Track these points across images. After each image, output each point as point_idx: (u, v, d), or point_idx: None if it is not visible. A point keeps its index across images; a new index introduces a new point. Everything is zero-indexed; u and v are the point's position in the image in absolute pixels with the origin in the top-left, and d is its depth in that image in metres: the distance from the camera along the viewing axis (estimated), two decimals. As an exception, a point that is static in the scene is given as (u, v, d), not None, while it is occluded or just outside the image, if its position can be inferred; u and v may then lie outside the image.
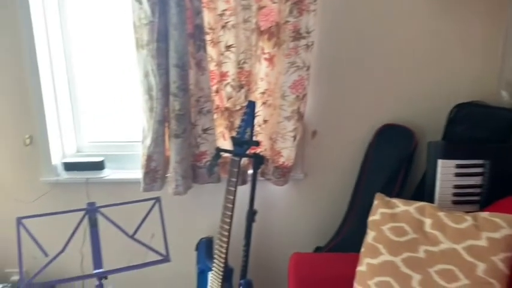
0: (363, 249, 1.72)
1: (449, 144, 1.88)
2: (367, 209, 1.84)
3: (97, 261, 1.81)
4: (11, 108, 2.06)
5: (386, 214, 1.72)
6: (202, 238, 2.04)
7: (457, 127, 1.92)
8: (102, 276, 1.80)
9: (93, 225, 1.82)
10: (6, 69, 2.02)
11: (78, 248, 2.16)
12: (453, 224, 1.58)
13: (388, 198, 1.77)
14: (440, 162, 1.82)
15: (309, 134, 2.08)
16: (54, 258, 1.73)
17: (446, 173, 1.82)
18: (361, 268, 1.68)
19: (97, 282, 1.81)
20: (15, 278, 2.19)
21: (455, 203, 1.83)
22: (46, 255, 1.72)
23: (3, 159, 2.10)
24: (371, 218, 1.75)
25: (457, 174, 1.81)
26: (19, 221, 1.74)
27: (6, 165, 2.11)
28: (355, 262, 1.76)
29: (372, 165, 2.04)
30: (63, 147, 2.17)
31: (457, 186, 1.82)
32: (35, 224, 1.72)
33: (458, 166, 1.81)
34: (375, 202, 1.79)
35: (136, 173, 2.10)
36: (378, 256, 1.64)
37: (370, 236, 1.71)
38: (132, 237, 1.85)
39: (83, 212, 1.83)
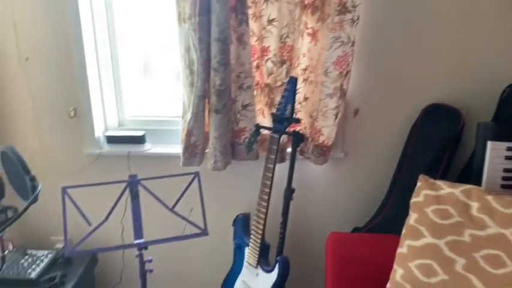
0: (404, 231, 1.68)
1: (501, 126, 1.78)
2: (408, 191, 1.79)
3: (138, 232, 1.86)
4: (58, 82, 2.11)
5: (430, 196, 1.66)
6: (239, 214, 2.05)
7: (510, 108, 1.82)
8: (143, 246, 1.84)
9: (135, 197, 1.86)
10: (52, 44, 2.06)
11: (119, 219, 2.22)
12: (502, 208, 1.51)
13: (432, 180, 1.71)
14: (490, 144, 1.73)
15: (351, 112, 2.03)
16: (97, 227, 1.79)
17: (496, 155, 1.73)
18: (401, 250, 1.65)
19: (137, 252, 1.86)
20: (59, 245, 2.28)
21: (504, 187, 1.74)
22: (89, 224, 1.78)
23: (50, 131, 2.17)
24: (414, 200, 1.70)
25: (508, 157, 1.72)
26: (64, 190, 1.80)
27: (52, 136, 2.18)
28: (394, 244, 1.72)
29: (416, 145, 1.97)
30: (105, 120, 2.22)
31: (507, 170, 1.73)
32: (79, 194, 1.77)
33: (510, 149, 1.72)
34: (419, 184, 1.73)
35: (176, 147, 2.12)
36: (420, 238, 1.60)
37: (412, 218, 1.66)
38: (171, 209, 1.88)
39: (124, 184, 1.88)
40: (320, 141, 1.95)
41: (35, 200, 1.16)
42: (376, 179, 2.12)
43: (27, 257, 2.08)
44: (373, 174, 2.13)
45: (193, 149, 1.99)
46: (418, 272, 1.56)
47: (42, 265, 2.01)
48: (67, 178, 2.17)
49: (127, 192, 1.88)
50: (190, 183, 1.90)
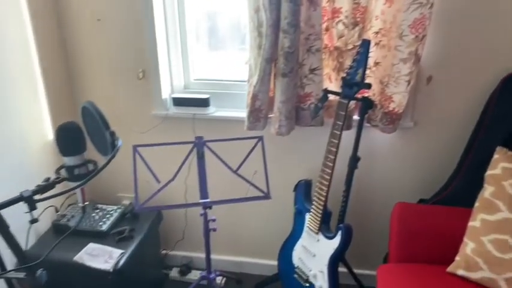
0: (477, 204, 1.61)
1: None
2: (482, 164, 1.70)
3: (203, 191, 1.90)
4: (127, 44, 2.15)
5: (509, 169, 1.57)
6: (301, 180, 2.04)
7: None
8: (207, 205, 1.89)
9: (201, 158, 1.90)
10: (123, 6, 2.09)
11: (183, 179, 2.28)
12: None
13: (511, 153, 1.61)
14: None
15: (424, 80, 1.93)
16: (165, 185, 1.85)
17: None
18: (473, 223, 1.58)
19: (202, 211, 1.92)
20: (126, 202, 2.39)
21: None
22: (158, 181, 1.84)
23: (120, 92, 2.24)
24: (490, 172, 1.61)
25: None
26: (135, 148, 1.87)
27: (122, 97, 2.24)
28: (465, 216, 1.66)
29: (493, 117, 1.85)
30: (172, 83, 2.26)
31: None
32: (146, 154, 1.84)
33: None
34: (496, 156, 1.64)
35: (239, 111, 2.13)
36: (495, 212, 1.52)
37: (487, 191, 1.59)
38: (235, 172, 1.91)
39: (191, 145, 1.92)
40: (390, 109, 1.88)
41: (114, 156, 1.20)
42: (445, 150, 2.03)
43: (97, 210, 2.21)
44: (443, 145, 2.04)
45: (257, 113, 1.98)
46: (492, 247, 1.50)
47: (111, 219, 2.13)
48: (135, 138, 2.25)
49: (192, 153, 1.93)
50: (254, 147, 1.91)
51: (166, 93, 2.22)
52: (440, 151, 2.04)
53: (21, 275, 1.36)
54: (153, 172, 1.82)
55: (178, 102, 2.20)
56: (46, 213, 2.08)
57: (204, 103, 2.17)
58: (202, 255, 2.52)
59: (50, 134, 2.14)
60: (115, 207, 2.23)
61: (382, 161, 2.12)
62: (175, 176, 1.85)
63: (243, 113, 2.07)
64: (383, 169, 2.14)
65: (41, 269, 1.36)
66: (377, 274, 1.72)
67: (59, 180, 1.20)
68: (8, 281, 1.71)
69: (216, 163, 1.85)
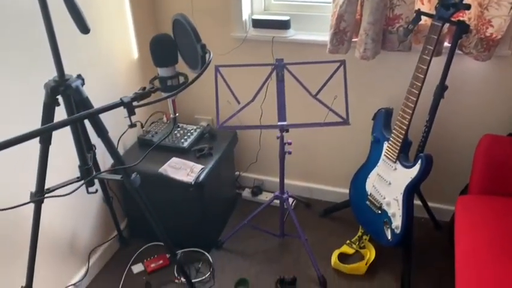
0: None
1: None
2: None
3: (281, 114, 1.92)
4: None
5: None
6: (381, 108, 1.98)
7: None
8: (285, 128, 1.91)
9: (280, 80, 1.89)
10: None
11: (259, 104, 2.31)
12: None
13: None
14: None
15: (530, 3, 1.74)
16: (245, 105, 1.88)
17: None
18: None
19: (279, 134, 1.95)
20: (203, 123, 2.48)
21: None
22: (238, 102, 1.88)
23: (201, 12, 2.24)
24: None
25: None
26: (217, 68, 1.89)
27: (203, 18, 2.24)
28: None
29: None
30: (252, 4, 2.22)
31: None
32: (226, 76, 1.86)
33: None
34: None
35: (320, 35, 2.07)
36: None
37: None
38: (314, 96, 1.89)
39: (270, 68, 1.91)
40: (487, 34, 1.73)
41: (206, 68, 1.22)
42: (546, 82, 1.87)
43: (179, 129, 2.31)
44: (543, 78, 1.87)
45: (342, 35, 1.91)
46: None
47: (192, 137, 2.23)
48: (214, 60, 2.27)
49: (271, 76, 1.92)
50: (335, 71, 1.86)
51: (246, 15, 2.19)
52: (539, 83, 1.89)
53: (118, 177, 1.49)
54: (234, 93, 1.86)
55: (258, 24, 2.17)
56: (132, 129, 2.22)
57: (283, 25, 2.12)
58: (273, 179, 2.62)
59: (134, 52, 2.22)
60: (194, 127, 2.33)
61: (471, 91, 1.99)
62: (254, 97, 1.88)
63: (323, 37, 2.01)
64: (471, 100, 2.01)
65: (135, 173, 1.48)
66: (456, 204, 1.69)
67: (153, 90, 1.26)
68: (102, 183, 1.89)
69: (295, 87, 1.84)
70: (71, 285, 1.95)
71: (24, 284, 1.52)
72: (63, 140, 1.52)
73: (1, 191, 1.50)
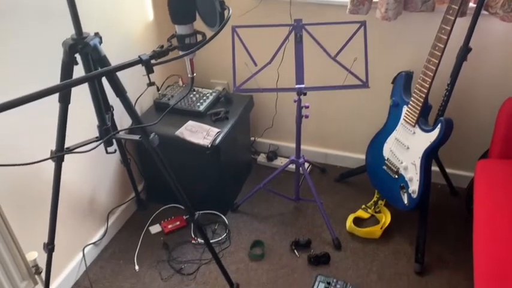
0: None
1: None
2: None
3: (299, 77, 1.89)
4: None
5: None
6: (401, 71, 1.94)
7: None
8: (302, 91, 1.89)
9: (299, 42, 1.86)
10: None
11: (276, 67, 2.28)
12: None
13: None
14: None
15: None
16: (263, 68, 1.86)
17: None
18: None
19: (296, 98, 1.93)
20: (219, 87, 2.46)
21: None
22: (255, 64, 1.85)
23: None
24: None
25: None
26: (233, 29, 1.86)
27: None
28: None
29: None
30: (269, -37, 2.16)
31: None
32: (243, 37, 1.83)
33: None
34: None
35: (340, -5, 2.01)
36: None
37: None
38: (334, 58, 1.86)
39: (289, 29, 1.87)
40: (516, -7, 1.66)
41: (225, 24, 1.20)
42: None
43: (194, 92, 2.30)
44: None
45: (362, -5, 1.86)
46: None
47: (208, 101, 2.22)
48: (232, 20, 2.23)
49: (289, 38, 1.88)
50: (355, 33, 1.81)
51: (263, -26, 2.13)
52: None
53: (136, 137, 1.49)
54: (251, 54, 1.83)
55: (276, -16, 2.11)
56: (148, 92, 2.22)
57: (302, -15, 2.07)
58: (289, 144, 2.61)
59: (150, 14, 2.19)
60: (210, 91, 2.31)
61: (496, 53, 1.93)
62: (272, 58, 1.85)
63: (343, -3, 1.96)
64: (495, 63, 1.96)
65: (154, 133, 1.48)
66: (476, 168, 1.67)
67: (171, 48, 1.24)
68: (120, 145, 1.91)
69: (313, 49, 1.80)
70: (91, 243, 2.01)
71: (46, 241, 1.56)
72: (82, 102, 1.52)
73: (23, 150, 1.53)
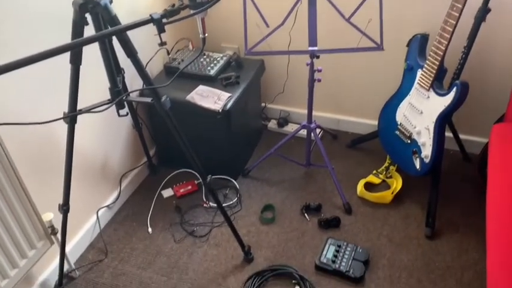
0: None
1: None
2: None
3: (312, 39, 1.85)
4: None
5: None
6: (417, 34, 1.89)
7: None
8: (315, 54, 1.86)
9: (312, 4, 1.81)
10: None
11: (287, 30, 2.23)
12: None
13: None
14: None
15: None
16: (275, 29, 1.82)
17: None
18: None
19: (309, 61, 1.89)
20: (229, 52, 2.42)
21: None
22: (267, 25, 1.81)
23: None
24: None
25: None
26: (245, -10, 1.82)
27: None
28: None
29: None
30: None
31: None
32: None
33: None
34: None
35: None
36: None
37: None
38: (348, 20, 1.81)
39: (301, -11, 1.82)
40: (540, -51, 1.59)
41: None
42: None
43: (205, 56, 2.28)
44: None
45: (378, -47, 1.79)
46: None
47: (218, 65, 2.19)
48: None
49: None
50: (370, -7, 1.77)
51: None
52: None
53: (148, 99, 1.49)
54: (262, 15, 1.79)
55: None
56: (158, 56, 2.20)
57: None
58: (300, 110, 2.59)
59: (159, -24, 2.15)
60: (221, 55, 2.28)
61: (516, 15, 1.88)
62: (284, 20, 1.81)
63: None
64: (515, 25, 1.90)
65: (165, 96, 1.47)
66: (491, 132, 1.65)
67: (183, 7, 1.21)
68: (132, 109, 1.90)
69: (327, 10, 1.75)
70: (105, 206, 2.04)
71: (61, 202, 1.59)
72: (93, 66, 1.51)
73: (37, 113, 1.54)
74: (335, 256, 1.80)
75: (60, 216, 1.61)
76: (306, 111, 2.07)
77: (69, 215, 1.62)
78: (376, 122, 2.18)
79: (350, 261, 1.78)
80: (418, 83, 1.85)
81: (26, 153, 1.55)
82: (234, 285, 1.76)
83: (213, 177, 2.08)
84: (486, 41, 1.97)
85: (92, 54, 1.40)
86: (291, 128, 2.58)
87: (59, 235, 1.64)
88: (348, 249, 1.82)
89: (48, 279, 1.76)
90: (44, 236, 1.57)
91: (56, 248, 1.66)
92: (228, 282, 1.78)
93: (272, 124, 2.62)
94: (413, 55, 1.88)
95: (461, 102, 1.71)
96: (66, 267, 1.78)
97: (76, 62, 1.32)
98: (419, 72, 1.84)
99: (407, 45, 1.93)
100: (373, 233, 1.94)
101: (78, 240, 1.90)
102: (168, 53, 2.25)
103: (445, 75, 1.81)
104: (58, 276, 1.74)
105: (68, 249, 1.79)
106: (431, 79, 1.77)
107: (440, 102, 1.75)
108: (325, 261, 1.79)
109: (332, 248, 1.83)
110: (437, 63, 1.73)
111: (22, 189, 1.43)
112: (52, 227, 1.60)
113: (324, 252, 1.82)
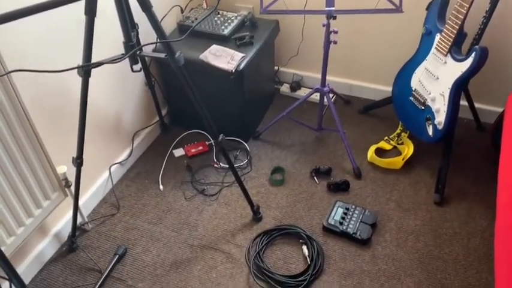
0: None
1: None
2: None
3: (329, -1, 1.81)
4: None
5: None
6: (437, -4, 1.83)
7: None
8: (332, 15, 1.81)
9: (330, -39, 1.76)
10: None
11: (304, -9, 2.18)
12: None
13: None
14: None
15: None
16: (291, -12, 1.79)
17: None
18: None
19: (325, 21, 1.86)
20: (244, 12, 2.37)
21: None
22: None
23: None
24: None
25: None
26: None
27: None
28: None
29: None
30: None
31: None
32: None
33: None
34: None
35: None
36: None
37: None
38: (367, -20, 1.77)
39: None
40: None
41: None
42: None
43: (219, 15, 2.24)
44: None
45: None
46: None
47: (232, 25, 2.16)
48: None
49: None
50: (391, -48, 1.71)
51: None
52: None
53: (162, 55, 1.48)
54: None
55: None
56: (171, 15, 2.17)
57: None
58: (313, 75, 2.57)
59: None
60: (235, 14, 2.24)
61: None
62: (302, -22, 1.77)
63: None
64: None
65: (179, 51, 1.46)
66: (507, 101, 1.62)
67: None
68: (144, 64, 1.90)
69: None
70: (117, 163, 2.07)
71: (75, 155, 1.61)
72: (108, 21, 1.50)
73: (52, 65, 1.54)
74: (343, 218, 1.82)
75: (74, 170, 1.64)
76: (319, 76, 2.05)
77: (82, 170, 1.64)
78: (389, 88, 2.15)
79: (358, 223, 1.80)
80: (435, 47, 1.81)
81: (42, 106, 1.57)
82: (243, 242, 1.80)
83: (225, 138, 2.09)
84: (509, 6, 1.91)
85: (106, 9, 1.38)
86: (303, 92, 2.56)
87: (72, 188, 1.67)
88: (356, 212, 1.84)
89: (61, 231, 1.81)
90: (58, 188, 1.60)
91: (69, 201, 1.70)
92: (236, 239, 1.82)
93: (285, 88, 2.60)
94: (433, 19, 1.83)
95: (479, 68, 1.68)
96: (79, 220, 1.82)
97: (91, 13, 1.31)
98: (437, 37, 1.80)
99: (427, 9, 1.87)
100: (381, 197, 1.95)
101: (91, 195, 1.94)
102: (182, 11, 2.21)
103: (464, 40, 1.77)
104: (71, 227, 1.78)
105: (81, 202, 1.83)
106: (449, 44, 1.73)
107: (458, 68, 1.72)
108: (332, 222, 1.81)
109: (340, 211, 1.85)
110: (457, 27, 1.68)
111: (37, 141, 1.45)
112: (66, 180, 1.63)
113: (332, 214, 1.84)
